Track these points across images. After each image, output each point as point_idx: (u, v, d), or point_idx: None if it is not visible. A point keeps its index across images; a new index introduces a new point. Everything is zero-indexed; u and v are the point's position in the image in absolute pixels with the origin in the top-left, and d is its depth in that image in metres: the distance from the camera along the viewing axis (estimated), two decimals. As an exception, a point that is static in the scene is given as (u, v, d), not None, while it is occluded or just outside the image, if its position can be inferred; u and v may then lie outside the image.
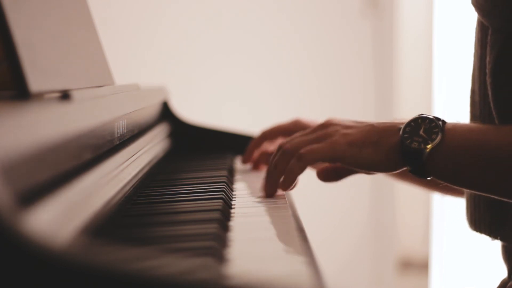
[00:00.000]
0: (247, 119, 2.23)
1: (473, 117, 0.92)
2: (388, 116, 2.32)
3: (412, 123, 0.80)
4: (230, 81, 2.24)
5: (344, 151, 0.81)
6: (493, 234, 0.90)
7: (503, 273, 0.95)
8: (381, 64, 2.31)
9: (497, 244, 0.94)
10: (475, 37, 0.91)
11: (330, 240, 2.29)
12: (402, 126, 0.80)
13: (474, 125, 0.80)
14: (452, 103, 2.58)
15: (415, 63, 2.94)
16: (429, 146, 0.77)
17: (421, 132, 0.78)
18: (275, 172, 0.85)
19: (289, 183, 0.83)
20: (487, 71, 0.85)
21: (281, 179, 0.84)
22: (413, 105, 2.90)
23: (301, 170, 0.82)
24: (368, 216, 2.35)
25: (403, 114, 2.69)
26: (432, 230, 2.64)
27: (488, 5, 0.84)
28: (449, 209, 2.53)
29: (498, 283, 0.95)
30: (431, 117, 0.80)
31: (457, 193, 0.99)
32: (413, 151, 0.78)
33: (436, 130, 0.78)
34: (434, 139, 0.78)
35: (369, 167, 0.81)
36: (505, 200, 0.81)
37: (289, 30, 2.27)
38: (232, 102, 2.25)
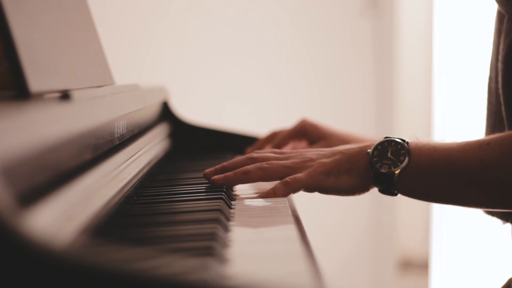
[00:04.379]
0: (247, 119, 2.23)
1: (490, 104, 0.95)
2: (388, 116, 2.32)
3: (379, 147, 0.84)
4: (230, 81, 2.24)
5: (323, 181, 0.84)
6: (504, 218, 0.93)
7: (504, 273, 0.95)
8: (381, 64, 2.31)
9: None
10: (494, 26, 0.94)
11: (330, 240, 2.29)
12: (370, 150, 0.84)
13: (438, 143, 0.83)
14: (452, 103, 2.58)
15: (415, 63, 2.94)
16: (398, 168, 0.82)
17: (389, 154, 0.83)
18: (243, 177, 0.86)
19: (268, 197, 0.85)
20: (500, 57, 0.87)
21: (259, 196, 0.85)
22: (413, 105, 2.90)
23: (285, 195, 0.85)
24: (368, 216, 2.35)
25: (403, 114, 2.69)
26: (432, 230, 2.64)
27: None
28: (449, 209, 2.53)
29: (498, 282, 0.95)
30: (397, 139, 0.84)
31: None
32: (384, 174, 0.82)
33: (403, 151, 0.82)
34: (403, 161, 0.82)
35: (346, 192, 0.86)
36: (481, 208, 0.87)
37: (289, 30, 2.27)
38: (232, 102, 2.25)
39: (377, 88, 2.32)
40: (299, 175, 0.84)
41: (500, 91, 0.88)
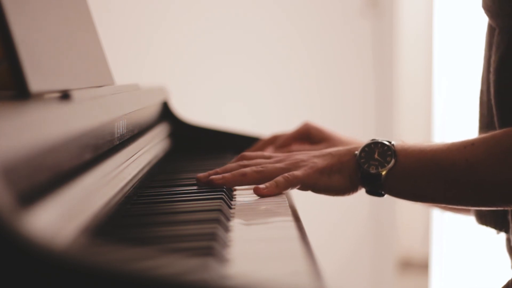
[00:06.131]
0: (247, 119, 2.23)
1: (482, 116, 0.96)
2: (388, 116, 2.32)
3: (366, 148, 0.86)
4: (230, 81, 2.24)
5: (317, 179, 0.86)
6: (499, 227, 0.94)
7: (504, 273, 0.95)
8: (381, 64, 2.31)
9: (502, 238, 0.95)
10: (485, 40, 0.96)
11: (330, 240, 2.29)
12: (358, 152, 0.86)
13: (424, 145, 0.85)
14: (452, 103, 2.58)
15: (415, 63, 2.94)
16: (384, 169, 0.84)
17: (376, 156, 0.85)
18: (241, 179, 0.87)
19: (269, 193, 0.85)
20: (492, 69, 0.88)
21: (263, 186, 0.85)
22: (413, 105, 2.90)
23: (285, 189, 0.86)
24: (368, 216, 2.35)
25: (403, 114, 2.69)
26: (432, 230, 2.63)
27: (496, 7, 0.88)
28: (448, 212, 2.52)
29: (498, 282, 0.95)
30: (383, 141, 0.85)
31: (456, 210, 1.04)
32: (371, 175, 0.84)
33: (390, 153, 0.84)
34: (389, 162, 0.84)
35: (337, 192, 0.87)
36: (468, 207, 0.90)
37: (289, 30, 2.27)
38: (232, 102, 2.25)
39: (377, 88, 2.32)
40: (296, 172, 0.85)
41: (493, 102, 0.89)
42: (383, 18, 2.30)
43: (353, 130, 2.28)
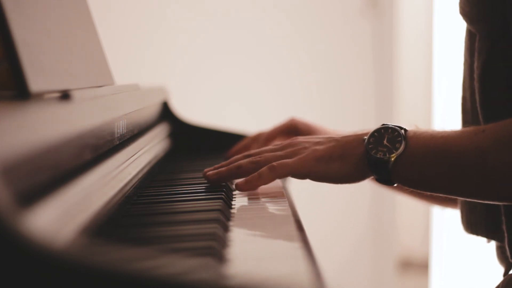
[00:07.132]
0: (247, 119, 2.23)
1: (465, 123, 0.95)
2: (388, 116, 2.32)
3: (375, 134, 0.82)
4: (230, 81, 2.24)
5: (312, 167, 0.83)
6: (490, 236, 0.92)
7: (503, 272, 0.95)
8: (381, 64, 2.31)
9: (493, 245, 0.95)
10: (464, 46, 0.94)
11: (330, 240, 2.29)
12: (366, 137, 0.82)
13: (436, 131, 0.82)
14: (452, 103, 2.58)
15: (415, 63, 2.94)
16: (393, 155, 0.80)
17: (385, 141, 0.81)
18: (236, 172, 0.86)
19: (251, 187, 0.84)
20: (475, 76, 0.87)
21: (243, 180, 0.84)
22: (413, 105, 2.90)
23: (270, 180, 0.84)
24: (368, 216, 2.35)
25: (403, 114, 2.69)
26: (432, 230, 2.64)
27: (474, 12, 0.87)
28: (449, 209, 2.52)
29: (497, 282, 0.95)
30: (394, 126, 0.82)
31: (456, 205, 1.02)
32: (379, 161, 0.80)
33: (399, 139, 0.81)
34: (398, 148, 0.80)
35: (338, 180, 0.84)
36: (475, 200, 0.85)
37: (289, 30, 2.27)
38: (232, 102, 2.25)
39: (377, 88, 2.32)
40: (286, 160, 0.83)
41: (478, 108, 0.87)
42: (383, 18, 2.30)
43: (353, 130, 2.28)
